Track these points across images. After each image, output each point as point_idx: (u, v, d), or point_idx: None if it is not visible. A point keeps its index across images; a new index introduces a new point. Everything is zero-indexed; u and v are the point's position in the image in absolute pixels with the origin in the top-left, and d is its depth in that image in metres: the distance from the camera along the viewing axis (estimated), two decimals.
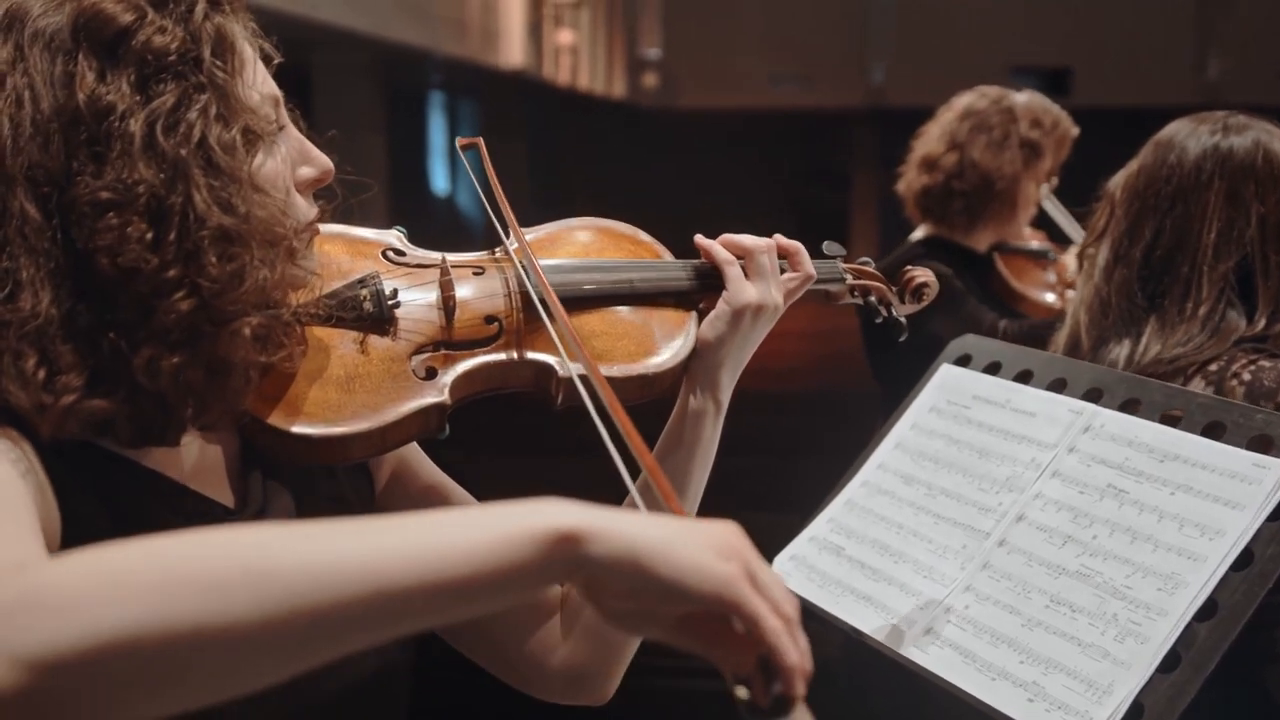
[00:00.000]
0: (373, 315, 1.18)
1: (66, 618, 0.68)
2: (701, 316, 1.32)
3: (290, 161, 1.12)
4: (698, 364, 1.31)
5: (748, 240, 1.32)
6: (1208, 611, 1.27)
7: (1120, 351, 1.78)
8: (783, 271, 1.34)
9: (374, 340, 1.17)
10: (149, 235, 0.97)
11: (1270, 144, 1.78)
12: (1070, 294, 2.56)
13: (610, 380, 1.03)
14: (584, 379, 1.12)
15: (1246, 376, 1.66)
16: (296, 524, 0.76)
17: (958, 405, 1.64)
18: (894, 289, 1.49)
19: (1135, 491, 1.40)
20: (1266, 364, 1.67)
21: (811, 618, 1.50)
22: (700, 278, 1.34)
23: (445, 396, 1.16)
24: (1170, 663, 1.26)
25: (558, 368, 1.21)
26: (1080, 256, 1.96)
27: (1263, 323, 1.73)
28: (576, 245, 1.35)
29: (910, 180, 3.02)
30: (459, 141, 1.41)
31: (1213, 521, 1.32)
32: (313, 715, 1.09)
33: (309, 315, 1.13)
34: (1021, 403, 1.58)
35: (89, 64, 0.99)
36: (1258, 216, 1.75)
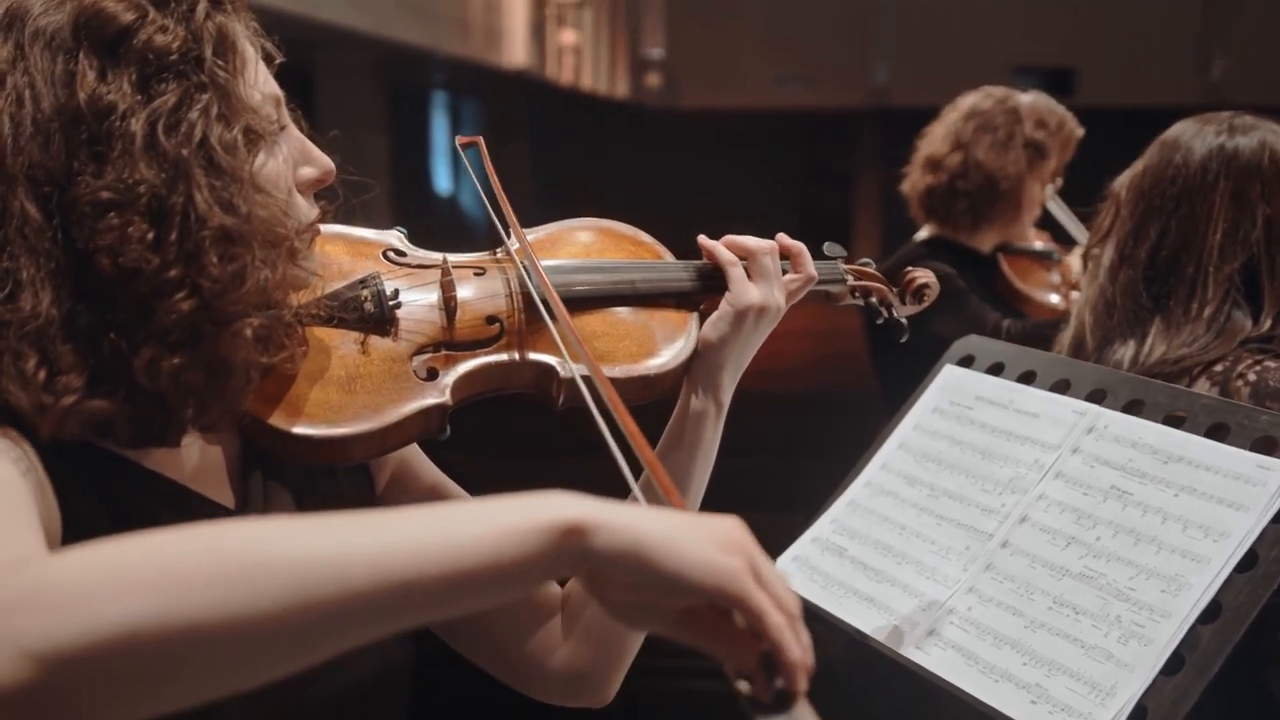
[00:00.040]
0: (374, 316, 1.18)
1: (71, 612, 0.68)
2: (703, 317, 1.32)
3: (292, 161, 1.12)
4: (699, 365, 1.30)
5: (751, 241, 1.32)
6: (1211, 613, 1.27)
7: (1125, 352, 1.77)
8: (784, 273, 1.34)
9: (375, 341, 1.17)
10: (150, 235, 0.97)
11: (1276, 145, 1.78)
12: (1075, 295, 2.56)
13: (612, 381, 1.03)
14: (586, 379, 1.12)
15: (1252, 377, 1.66)
16: (300, 517, 0.76)
17: (961, 406, 1.64)
18: (894, 290, 1.48)
19: (1139, 493, 1.40)
20: (1272, 364, 1.67)
21: (815, 619, 1.50)
22: (702, 278, 1.33)
23: (446, 397, 1.16)
24: (1174, 665, 1.26)
25: (559, 368, 1.21)
26: (1085, 257, 1.95)
27: (1268, 323, 1.73)
28: (577, 246, 1.35)
29: (914, 180, 3.02)
30: (459, 140, 1.41)
31: (1217, 523, 1.32)
32: (313, 715, 1.09)
33: (310, 316, 1.13)
34: (1025, 404, 1.57)
35: (90, 63, 0.98)
36: (1263, 217, 1.75)
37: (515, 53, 12.77)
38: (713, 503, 1.26)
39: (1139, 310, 1.79)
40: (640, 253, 1.37)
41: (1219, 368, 1.70)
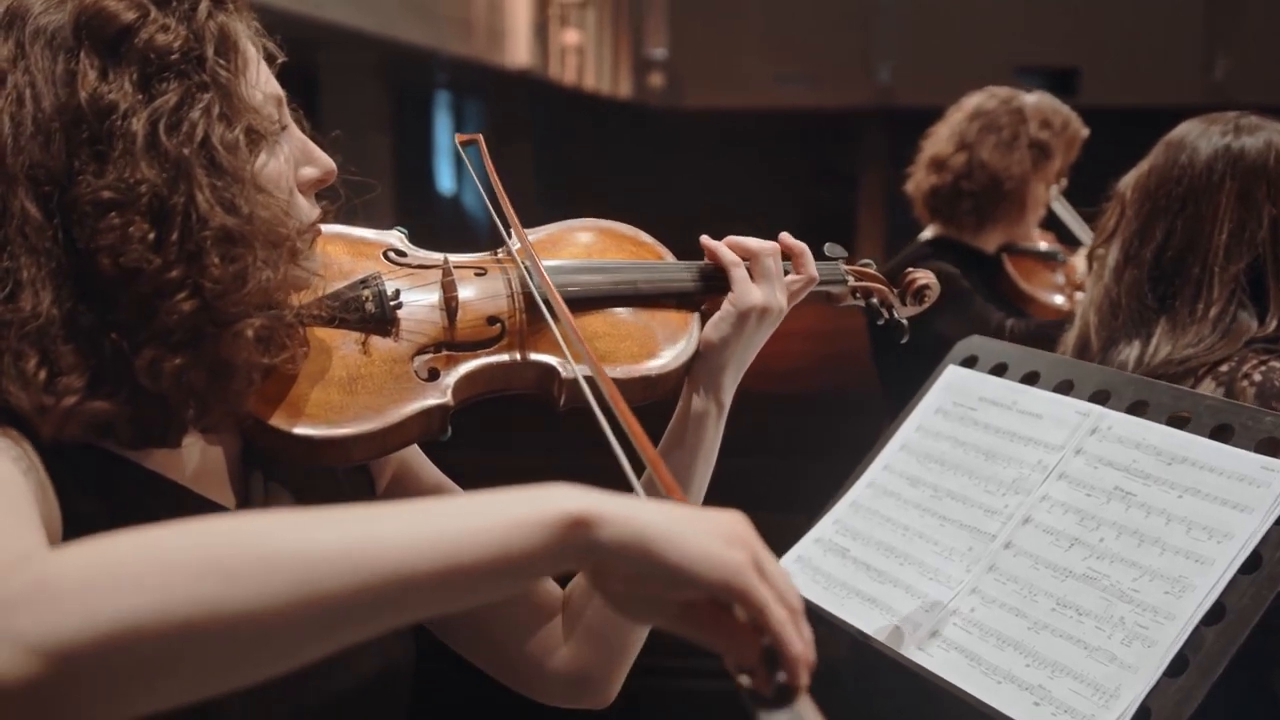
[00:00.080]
0: (375, 316, 1.17)
1: (76, 606, 0.68)
2: (704, 318, 1.32)
3: (293, 161, 1.12)
4: (700, 365, 1.30)
5: (753, 243, 1.32)
6: (1215, 615, 1.26)
7: (1130, 353, 1.77)
8: (785, 273, 1.34)
9: (376, 341, 1.17)
10: (151, 235, 0.96)
11: None
12: (1079, 296, 2.56)
13: (613, 381, 1.03)
14: (589, 380, 1.12)
15: (1257, 377, 1.66)
16: (303, 511, 0.75)
17: (964, 407, 1.64)
18: (895, 291, 1.48)
19: (1142, 494, 1.39)
20: (1277, 364, 1.66)
21: (817, 620, 1.50)
22: (703, 279, 1.33)
23: (448, 398, 1.16)
24: (1177, 666, 1.25)
25: (560, 369, 1.21)
26: (1090, 257, 1.95)
27: (1274, 324, 1.72)
28: (578, 246, 1.35)
29: (919, 180, 3.02)
30: (458, 138, 1.40)
31: (1221, 524, 1.31)
32: (314, 715, 1.09)
33: (311, 316, 1.12)
34: (1028, 404, 1.57)
35: (91, 62, 0.98)
36: (1269, 218, 1.75)
37: (518, 53, 12.78)
38: (713, 503, 1.25)
39: (1144, 311, 1.79)
40: (641, 253, 1.36)
41: (1224, 368, 1.69)
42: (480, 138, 1.40)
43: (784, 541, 1.63)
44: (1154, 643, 1.28)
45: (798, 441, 5.91)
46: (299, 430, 1.09)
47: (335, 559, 0.71)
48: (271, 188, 1.06)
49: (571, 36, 14.77)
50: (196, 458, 1.11)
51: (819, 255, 1.40)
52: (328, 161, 1.15)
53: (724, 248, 1.32)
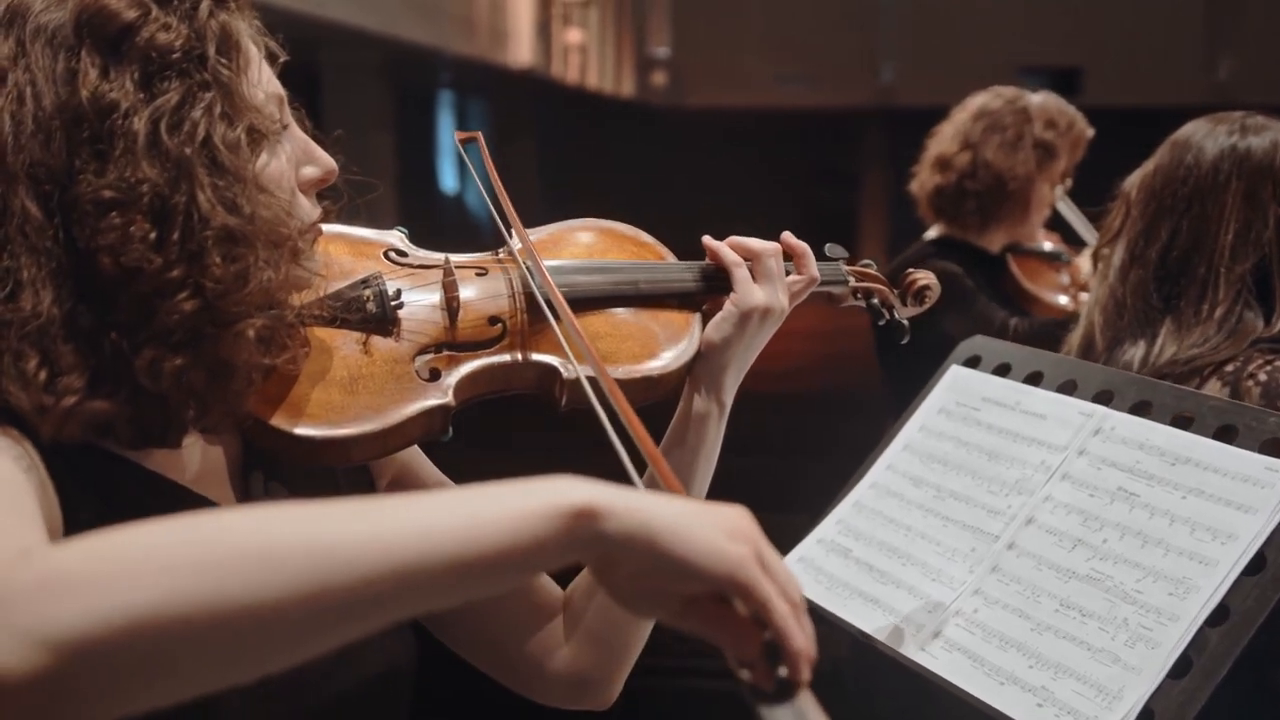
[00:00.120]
0: (376, 316, 1.17)
1: (86, 599, 0.68)
2: (705, 318, 1.32)
3: (294, 161, 1.11)
4: (702, 366, 1.30)
5: (755, 243, 1.31)
6: (1219, 616, 1.26)
7: (1135, 353, 1.77)
8: (787, 274, 1.33)
9: (377, 341, 1.17)
10: (152, 235, 0.96)
11: None
12: (1084, 297, 2.55)
13: (615, 382, 1.03)
14: (591, 380, 1.11)
15: (1263, 377, 1.65)
16: (312, 503, 0.75)
17: (967, 407, 1.63)
18: (896, 292, 1.48)
19: (1146, 495, 1.39)
20: None
21: (819, 620, 1.49)
22: (704, 279, 1.33)
23: (449, 398, 1.15)
24: (1181, 668, 1.25)
25: (562, 369, 1.20)
26: (1095, 257, 1.95)
27: None
28: (579, 246, 1.34)
29: (923, 180, 3.02)
30: (458, 135, 1.40)
31: (1225, 525, 1.31)
32: (315, 716, 1.08)
33: (312, 316, 1.12)
34: (1031, 405, 1.57)
35: (92, 61, 0.98)
36: (1275, 218, 1.74)
37: (521, 52, 12.77)
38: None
39: (1149, 311, 1.78)
40: (642, 253, 1.36)
41: (1230, 368, 1.69)
42: (479, 135, 1.40)
43: (785, 541, 1.63)
44: (1157, 644, 1.27)
45: (798, 441, 5.91)
46: (300, 430, 1.08)
47: (342, 552, 0.71)
48: (273, 187, 1.06)
49: (574, 36, 14.76)
50: (197, 458, 1.11)
51: (820, 256, 1.40)
52: (329, 161, 1.14)
53: (726, 248, 1.32)
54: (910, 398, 1.72)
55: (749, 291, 1.29)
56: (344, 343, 1.15)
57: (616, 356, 1.25)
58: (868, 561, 1.57)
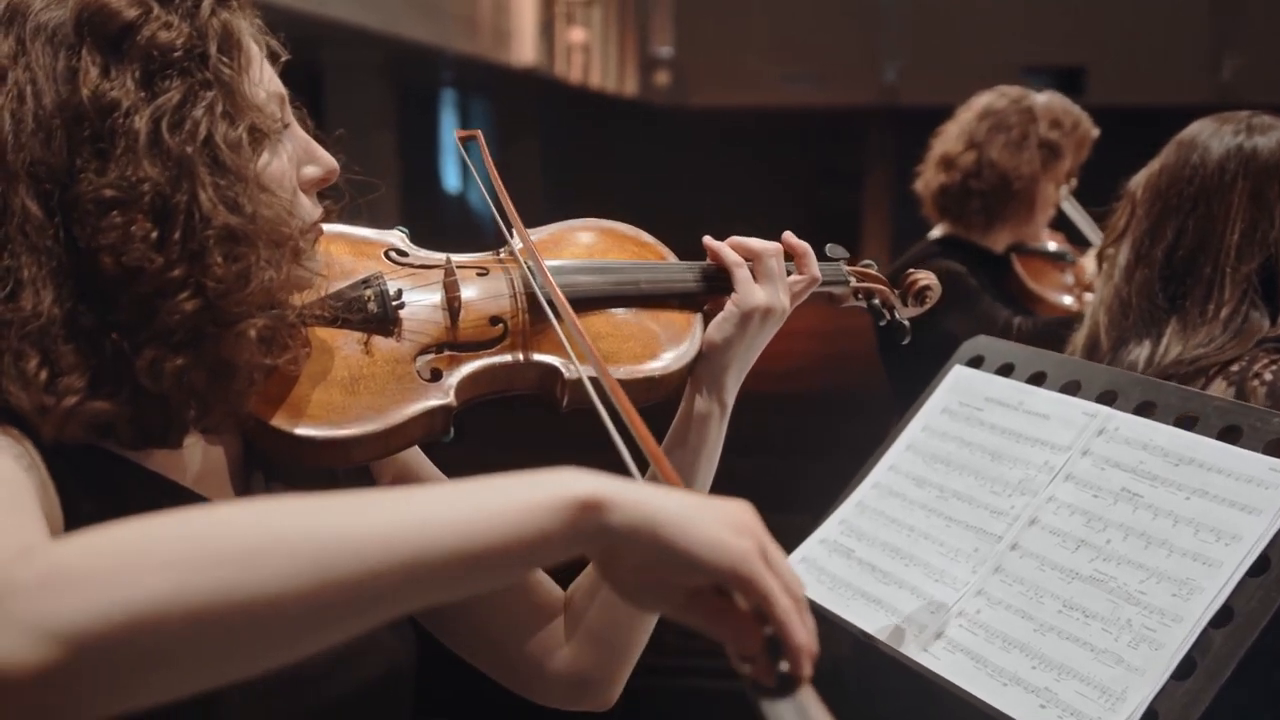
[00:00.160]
0: (377, 316, 1.17)
1: (95, 591, 0.68)
2: (707, 318, 1.31)
3: (295, 160, 1.11)
4: (703, 366, 1.30)
5: (756, 243, 1.31)
6: (1223, 618, 1.26)
7: (1140, 353, 1.76)
8: (788, 274, 1.33)
9: (378, 341, 1.16)
10: (153, 234, 0.96)
11: None
12: (1088, 297, 2.55)
13: (617, 382, 1.02)
14: (593, 380, 1.11)
15: (1268, 376, 1.65)
16: (317, 497, 0.75)
17: (970, 407, 1.63)
18: (896, 292, 1.48)
19: (1150, 495, 1.39)
20: None
21: (822, 620, 1.49)
22: (705, 279, 1.33)
23: (451, 398, 1.15)
24: (1185, 669, 1.24)
25: (563, 370, 1.20)
26: (1100, 257, 1.94)
27: None
28: (580, 246, 1.34)
29: (928, 179, 3.01)
30: (457, 134, 1.40)
31: (1229, 526, 1.31)
32: (316, 717, 1.08)
33: (313, 316, 1.12)
34: (1034, 405, 1.56)
35: (93, 59, 0.97)
36: None
37: (524, 51, 12.77)
38: None
39: (1155, 310, 1.78)
40: (643, 253, 1.36)
41: (1235, 368, 1.69)
42: (479, 134, 1.39)
43: (787, 541, 1.62)
44: (1161, 645, 1.27)
45: (800, 441, 5.91)
46: (300, 431, 1.08)
47: (350, 544, 0.71)
48: (274, 187, 1.06)
49: (577, 35, 14.76)
50: (198, 458, 1.10)
51: (820, 256, 1.39)
52: (330, 160, 1.14)
53: (727, 248, 1.32)
54: (913, 397, 1.72)
55: (750, 292, 1.29)
56: (345, 343, 1.15)
57: (618, 357, 1.25)
58: (870, 562, 1.56)
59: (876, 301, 1.46)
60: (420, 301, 1.20)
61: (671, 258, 1.37)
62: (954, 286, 2.75)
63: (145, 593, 0.68)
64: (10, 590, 0.68)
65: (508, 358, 1.21)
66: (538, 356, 1.21)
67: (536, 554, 0.75)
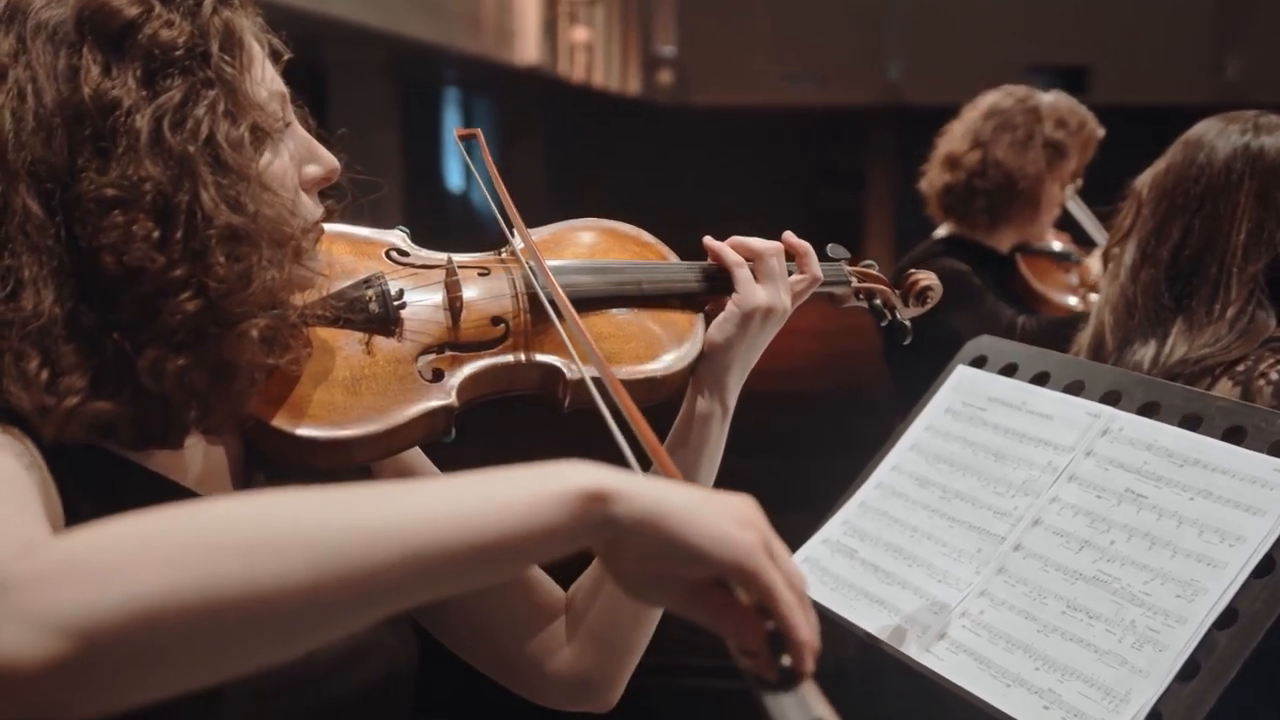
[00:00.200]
0: (378, 316, 1.17)
1: (106, 583, 0.68)
2: (708, 319, 1.31)
3: (297, 159, 1.11)
4: (705, 366, 1.29)
5: (757, 243, 1.31)
6: (1228, 619, 1.25)
7: (1146, 353, 1.76)
8: (790, 273, 1.33)
9: (379, 342, 1.16)
10: (155, 234, 0.96)
11: None
12: (1093, 297, 2.54)
13: (620, 382, 1.02)
14: (595, 381, 1.11)
15: (1274, 376, 1.64)
16: (327, 489, 0.75)
17: (973, 407, 1.63)
18: (897, 292, 1.48)
19: (1154, 496, 1.38)
20: None
21: (825, 620, 1.49)
22: (707, 279, 1.32)
23: (452, 399, 1.15)
24: (1189, 671, 1.24)
25: (565, 370, 1.20)
26: (1105, 256, 1.94)
27: None
28: (581, 247, 1.34)
29: (932, 178, 3.01)
30: (457, 132, 1.39)
31: (1233, 527, 1.30)
32: (317, 718, 1.08)
33: (314, 316, 1.12)
34: (1038, 405, 1.56)
35: (94, 58, 0.97)
36: None
37: (527, 50, 12.77)
38: None
39: (1161, 310, 1.78)
40: (644, 253, 1.36)
41: (1241, 367, 1.68)
42: (479, 133, 1.39)
43: (790, 541, 1.61)
44: (1165, 647, 1.26)
45: (801, 441, 5.91)
46: (302, 431, 1.08)
47: (363, 534, 0.71)
48: (276, 186, 1.06)
49: (580, 34, 14.76)
50: (198, 459, 1.10)
51: (821, 256, 1.39)
52: (331, 160, 1.14)
53: (727, 248, 1.31)
54: (918, 396, 1.72)
55: (751, 291, 1.28)
56: (346, 343, 1.15)
57: (620, 357, 1.24)
58: (873, 562, 1.56)
59: (878, 302, 1.46)
60: (422, 301, 1.20)
61: (673, 258, 1.36)
62: (958, 286, 2.74)
63: (153, 585, 0.68)
64: (15, 584, 0.68)
65: (509, 358, 1.21)
66: (539, 357, 1.21)
67: (543, 546, 0.75)
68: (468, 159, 1.37)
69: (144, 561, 0.69)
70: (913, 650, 1.44)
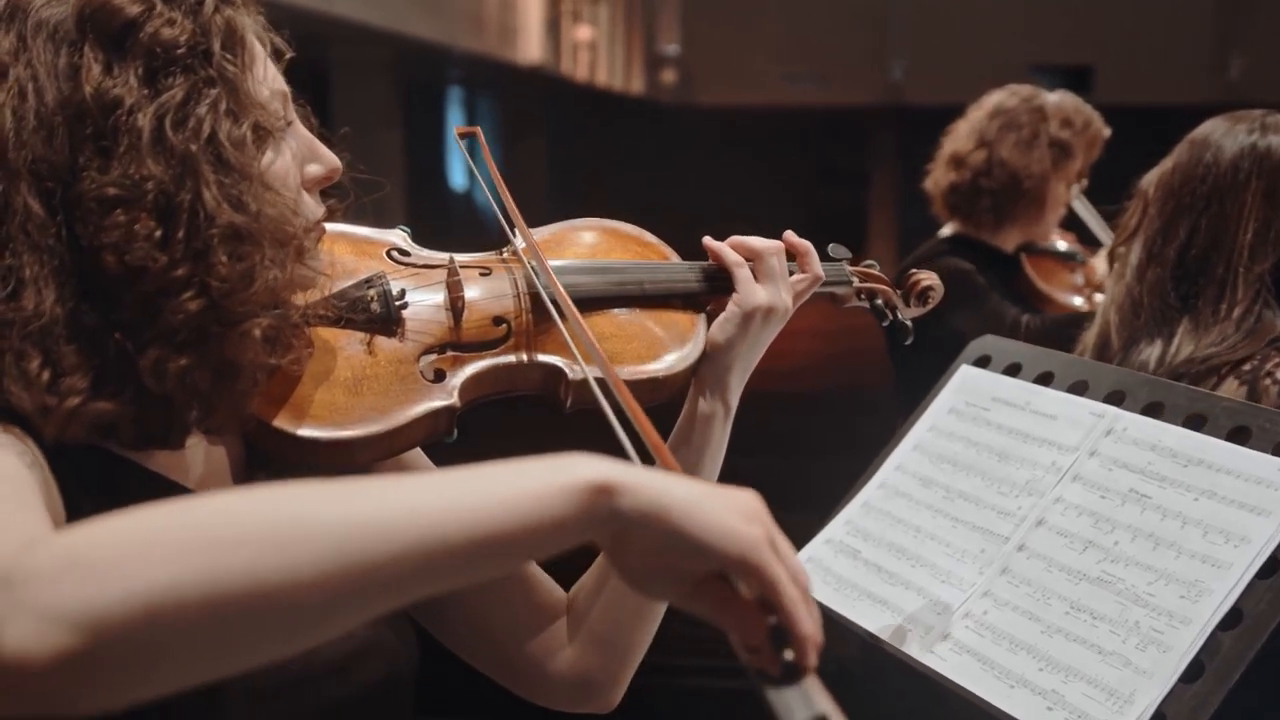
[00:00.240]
0: (380, 316, 1.16)
1: (115, 576, 0.68)
2: (710, 318, 1.31)
3: (299, 158, 1.11)
4: (707, 367, 1.29)
5: (757, 242, 1.31)
6: (1232, 620, 1.25)
7: (1152, 352, 1.76)
8: (791, 273, 1.33)
9: (381, 342, 1.16)
10: (157, 233, 0.95)
11: None
12: (1098, 297, 2.54)
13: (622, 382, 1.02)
14: (599, 381, 1.10)
15: None
16: (333, 482, 0.75)
17: (977, 407, 1.62)
18: (899, 292, 1.47)
19: (1158, 496, 1.38)
20: None
21: (828, 621, 1.48)
22: (708, 279, 1.32)
23: (454, 399, 1.15)
24: (1193, 672, 1.24)
25: (567, 370, 1.20)
26: (1111, 255, 1.94)
27: None
28: (583, 246, 1.33)
29: (938, 177, 3.01)
30: (457, 129, 1.39)
31: (1237, 528, 1.30)
32: (319, 719, 1.08)
33: (316, 316, 1.11)
34: (1042, 405, 1.55)
35: (95, 56, 0.97)
36: None
37: (530, 48, 12.76)
38: None
39: (1166, 310, 1.77)
40: (646, 253, 1.35)
41: (1247, 367, 1.68)
42: (479, 130, 1.38)
43: (791, 541, 1.61)
44: (1169, 648, 1.26)
45: (804, 440, 5.90)
46: (303, 432, 1.08)
47: (369, 528, 0.71)
48: (278, 185, 1.05)
49: (584, 32, 14.75)
50: (200, 459, 1.10)
51: (822, 256, 1.39)
52: (333, 159, 1.14)
53: (727, 248, 1.31)
54: (922, 395, 1.71)
55: (752, 291, 1.28)
56: (348, 343, 1.15)
57: (621, 358, 1.24)
58: (876, 562, 1.56)
59: (879, 302, 1.46)
60: (423, 301, 1.20)
61: (674, 257, 1.36)
62: (962, 285, 2.74)
63: (168, 577, 0.68)
64: (24, 578, 0.68)
65: (511, 358, 1.20)
66: (541, 357, 1.21)
67: (551, 538, 0.75)
68: (468, 157, 1.37)
69: (157, 554, 0.69)
70: (916, 651, 1.43)
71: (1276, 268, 1.73)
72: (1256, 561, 1.27)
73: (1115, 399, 1.50)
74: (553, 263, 1.24)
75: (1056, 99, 2.96)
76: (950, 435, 1.62)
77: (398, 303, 1.17)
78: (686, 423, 1.31)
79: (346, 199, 1.19)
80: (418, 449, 1.27)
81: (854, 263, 1.46)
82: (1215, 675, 1.22)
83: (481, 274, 1.25)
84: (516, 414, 1.29)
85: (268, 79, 1.08)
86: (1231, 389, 1.66)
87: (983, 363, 1.68)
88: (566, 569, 1.28)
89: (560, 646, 1.29)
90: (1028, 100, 2.93)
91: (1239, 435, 1.37)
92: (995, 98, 2.98)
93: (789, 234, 1.35)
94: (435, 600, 1.17)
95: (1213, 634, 1.25)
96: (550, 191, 13.21)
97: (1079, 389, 1.55)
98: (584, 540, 0.76)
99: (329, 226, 1.18)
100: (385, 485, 0.75)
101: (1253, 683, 1.22)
